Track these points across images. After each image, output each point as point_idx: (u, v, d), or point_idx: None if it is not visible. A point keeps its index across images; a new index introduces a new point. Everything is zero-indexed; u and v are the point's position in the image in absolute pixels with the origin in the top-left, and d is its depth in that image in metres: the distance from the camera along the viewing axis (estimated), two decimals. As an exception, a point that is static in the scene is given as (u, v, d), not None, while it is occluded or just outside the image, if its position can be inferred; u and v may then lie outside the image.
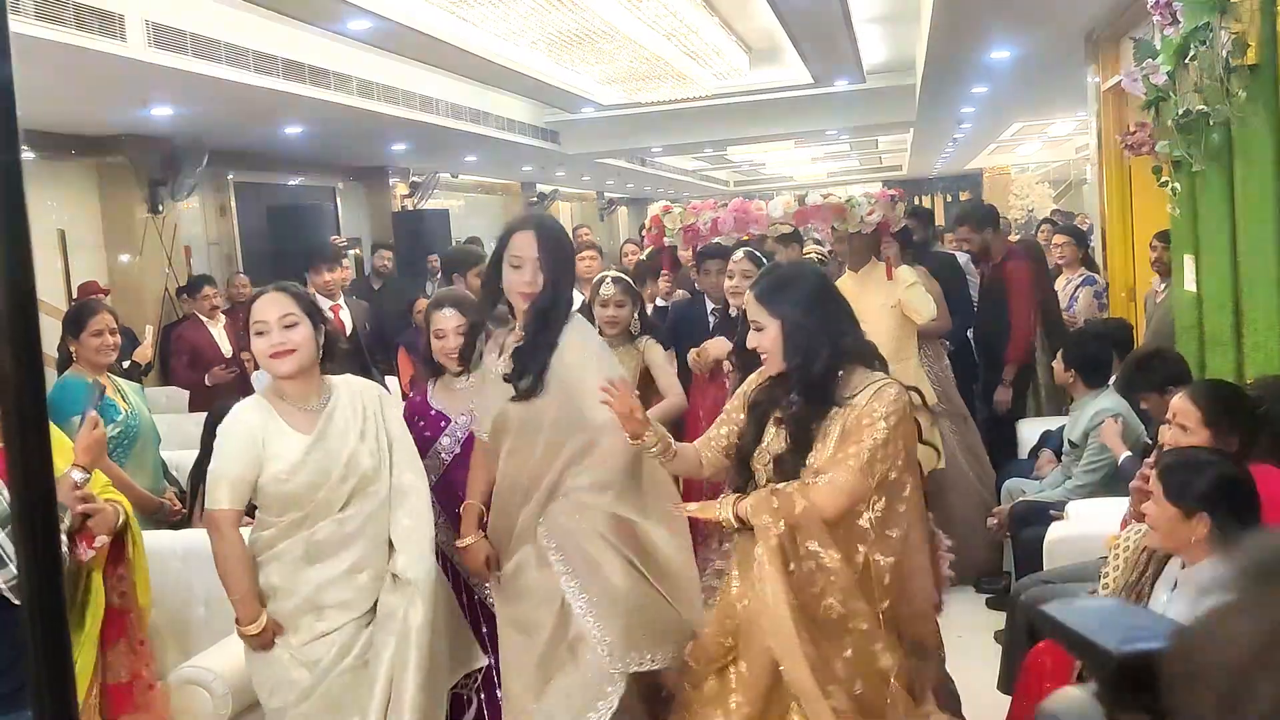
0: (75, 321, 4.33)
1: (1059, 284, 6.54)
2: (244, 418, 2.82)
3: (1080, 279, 6.38)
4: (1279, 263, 3.50)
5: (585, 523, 2.84)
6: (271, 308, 2.83)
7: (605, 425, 2.80)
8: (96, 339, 4.27)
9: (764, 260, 4.13)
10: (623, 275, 4.35)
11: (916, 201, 22.89)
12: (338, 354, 3.00)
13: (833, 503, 2.47)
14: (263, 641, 2.78)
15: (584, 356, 2.93)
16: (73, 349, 4.28)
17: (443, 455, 3.43)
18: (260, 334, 2.82)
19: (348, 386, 2.94)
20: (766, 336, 2.61)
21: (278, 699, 2.80)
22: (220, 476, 2.78)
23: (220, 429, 2.84)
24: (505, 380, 2.94)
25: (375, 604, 2.85)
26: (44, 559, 0.92)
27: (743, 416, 2.74)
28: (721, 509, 2.61)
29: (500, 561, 3.05)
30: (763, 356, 2.66)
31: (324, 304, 5.81)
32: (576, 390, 2.86)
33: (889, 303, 4.87)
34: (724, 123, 13.27)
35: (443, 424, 3.47)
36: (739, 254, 4.36)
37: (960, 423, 5.24)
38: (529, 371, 2.90)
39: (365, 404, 2.92)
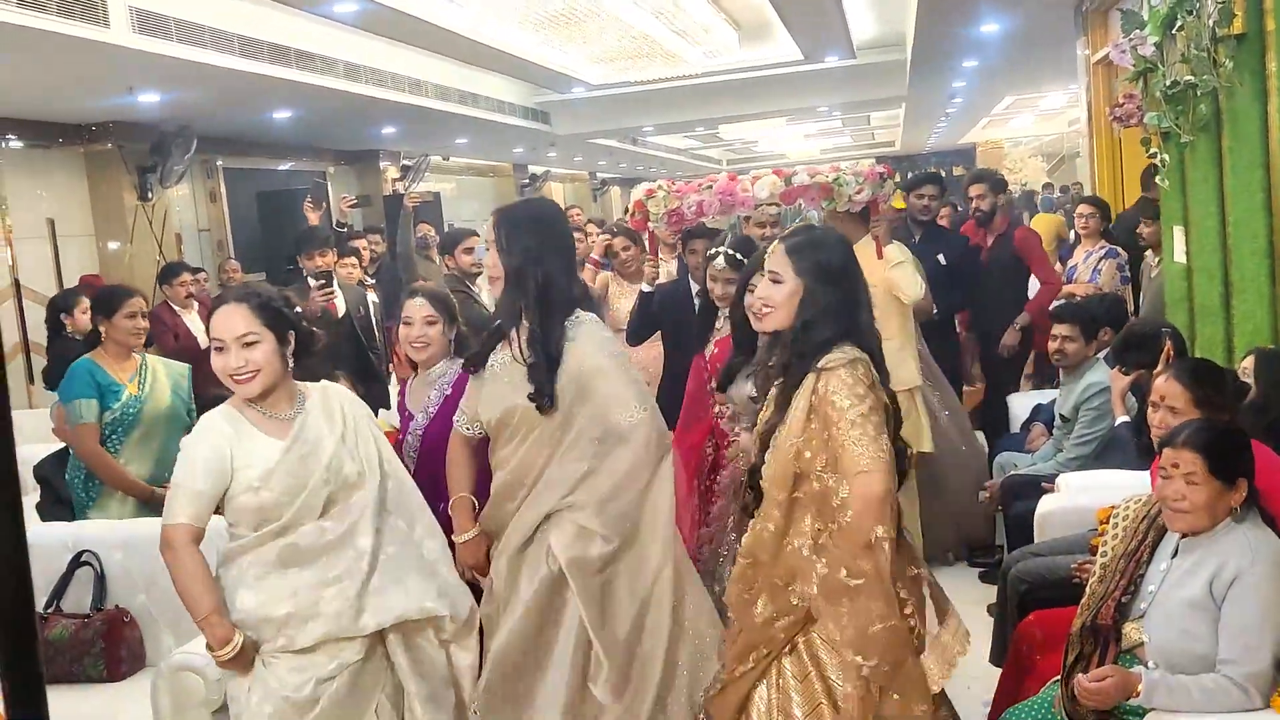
0: (107, 303, 4.32)
1: (1077, 255, 6.50)
2: (211, 427, 2.61)
3: (1103, 250, 6.31)
4: (1267, 232, 3.50)
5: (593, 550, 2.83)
6: (228, 324, 2.56)
7: (626, 431, 2.83)
8: (129, 321, 4.27)
9: (742, 261, 3.94)
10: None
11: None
12: (315, 352, 2.75)
13: (874, 511, 2.34)
14: (242, 663, 2.55)
15: (601, 357, 2.88)
16: (103, 329, 4.26)
17: (409, 455, 3.38)
18: (219, 350, 2.57)
19: (324, 393, 2.72)
20: (781, 291, 2.51)
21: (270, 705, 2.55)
22: (181, 488, 2.54)
23: (185, 440, 2.63)
24: (531, 373, 2.84)
25: (367, 637, 2.62)
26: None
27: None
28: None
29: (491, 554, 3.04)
30: (764, 310, 2.56)
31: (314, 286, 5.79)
32: (596, 392, 2.84)
33: (876, 282, 4.83)
34: (715, 100, 13.23)
35: (410, 423, 3.45)
36: (719, 261, 4.06)
37: (948, 399, 5.22)
38: (541, 365, 2.83)
39: (345, 410, 2.70)
